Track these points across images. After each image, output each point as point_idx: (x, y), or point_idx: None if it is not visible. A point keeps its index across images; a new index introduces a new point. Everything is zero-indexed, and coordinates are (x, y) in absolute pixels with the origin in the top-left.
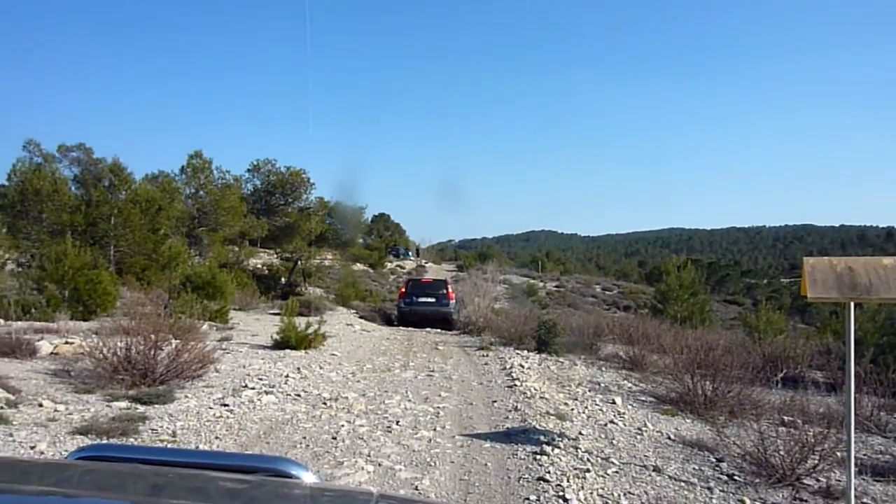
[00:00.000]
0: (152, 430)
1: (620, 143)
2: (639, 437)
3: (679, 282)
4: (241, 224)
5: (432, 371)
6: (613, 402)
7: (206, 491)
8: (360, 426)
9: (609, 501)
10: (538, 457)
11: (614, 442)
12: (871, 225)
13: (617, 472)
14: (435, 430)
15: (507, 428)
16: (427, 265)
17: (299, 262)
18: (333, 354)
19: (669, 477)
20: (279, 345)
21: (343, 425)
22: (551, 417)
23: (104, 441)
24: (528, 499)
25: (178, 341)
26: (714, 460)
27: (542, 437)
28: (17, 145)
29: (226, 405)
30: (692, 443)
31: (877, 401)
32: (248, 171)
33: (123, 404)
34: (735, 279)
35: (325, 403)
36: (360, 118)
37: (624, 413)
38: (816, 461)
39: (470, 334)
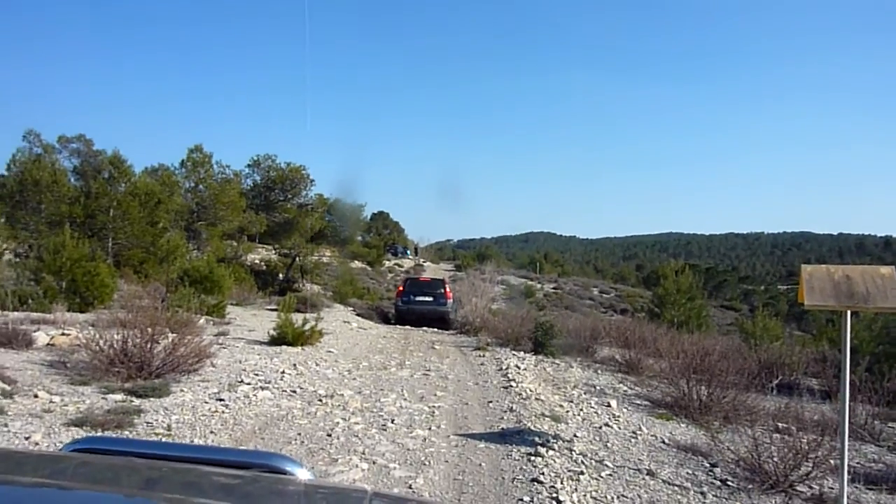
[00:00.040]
0: (147, 423)
1: (620, 146)
2: (633, 440)
3: (676, 286)
4: (239, 219)
5: (428, 370)
6: (609, 405)
7: (200, 486)
8: (355, 424)
9: None
10: (532, 458)
11: (609, 445)
12: (869, 234)
13: (611, 474)
14: (430, 429)
15: (502, 428)
16: (425, 264)
17: (297, 259)
18: (330, 351)
19: (663, 481)
20: (276, 341)
21: (338, 422)
22: (546, 419)
23: (99, 434)
24: (521, 500)
25: (174, 335)
26: (708, 465)
27: (536, 439)
28: (16, 135)
29: (221, 400)
30: (686, 447)
31: (871, 409)
32: (248, 166)
33: (119, 397)
34: (732, 285)
35: (320, 400)
36: (359, 116)
37: (619, 416)
38: (810, 468)
39: (467, 334)
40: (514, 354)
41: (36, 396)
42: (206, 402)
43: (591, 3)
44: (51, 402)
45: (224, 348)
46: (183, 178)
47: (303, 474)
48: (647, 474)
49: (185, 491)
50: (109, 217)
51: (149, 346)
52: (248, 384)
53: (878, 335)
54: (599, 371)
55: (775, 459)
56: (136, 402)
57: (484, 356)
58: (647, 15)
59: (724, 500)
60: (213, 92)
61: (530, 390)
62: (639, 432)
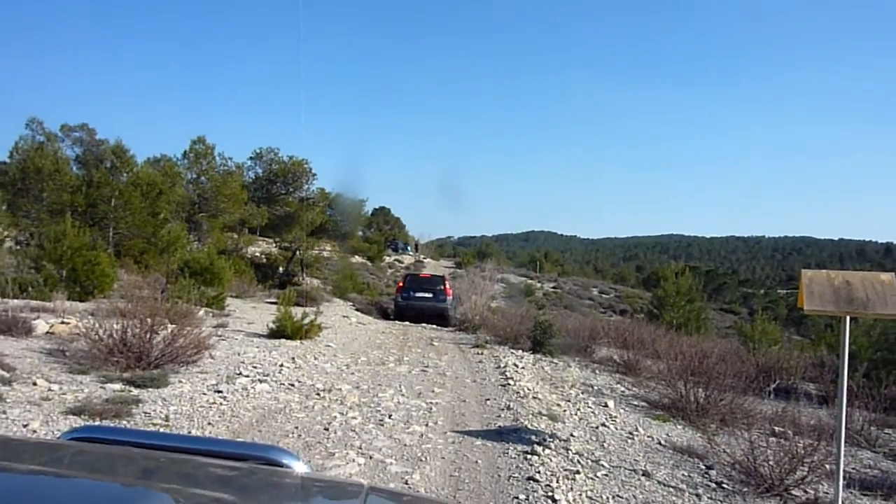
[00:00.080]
0: (145, 413)
1: (621, 147)
2: (630, 441)
3: (676, 288)
4: (241, 211)
5: (426, 367)
6: (606, 406)
7: (196, 477)
8: (352, 418)
9: None
10: (529, 456)
11: (605, 445)
12: (870, 240)
13: (606, 474)
14: (427, 425)
15: (499, 426)
16: (425, 261)
17: (298, 252)
18: (328, 346)
19: (658, 482)
20: (275, 334)
21: (336, 417)
22: (543, 418)
23: (97, 423)
24: (517, 498)
25: (174, 326)
26: (703, 467)
27: (533, 437)
28: (19, 123)
29: (219, 392)
30: (682, 449)
31: (868, 415)
32: (251, 158)
33: (117, 386)
34: (732, 288)
35: (318, 394)
36: (360, 111)
37: (616, 416)
38: (805, 473)
39: (466, 331)
40: (512, 353)
41: (35, 384)
42: (205, 394)
43: (591, 3)
44: (49, 390)
45: (223, 340)
46: (185, 170)
47: (300, 467)
48: (643, 475)
49: (183, 481)
50: (111, 207)
51: (148, 336)
52: (247, 377)
53: (877, 341)
54: (597, 371)
55: (771, 463)
56: (135, 392)
57: (482, 354)
58: (647, 17)
59: (719, 502)
60: (216, 84)
61: (528, 389)
62: (635, 433)
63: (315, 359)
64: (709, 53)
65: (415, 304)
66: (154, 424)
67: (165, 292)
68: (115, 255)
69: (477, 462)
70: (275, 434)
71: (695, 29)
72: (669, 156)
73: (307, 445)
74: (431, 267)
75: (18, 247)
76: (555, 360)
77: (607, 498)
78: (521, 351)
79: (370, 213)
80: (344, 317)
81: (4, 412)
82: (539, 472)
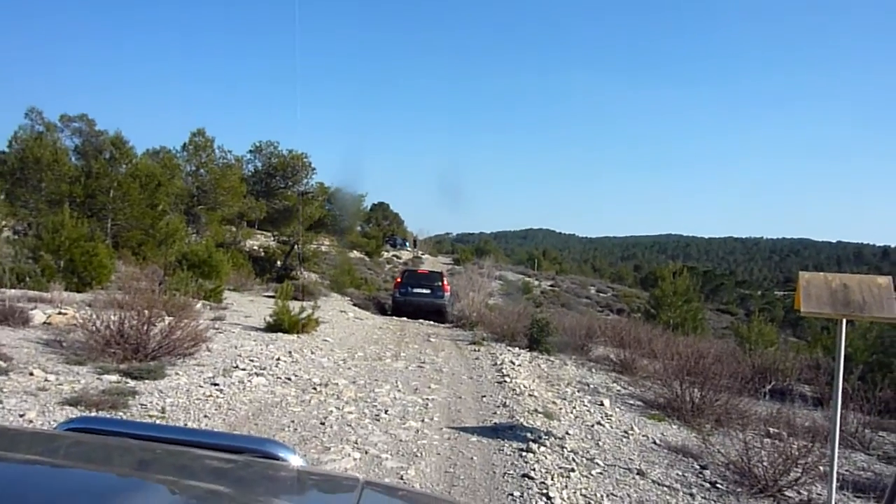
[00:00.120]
0: (142, 405)
1: (620, 147)
2: (625, 439)
3: (674, 288)
4: (239, 204)
5: (423, 363)
6: (601, 404)
7: (192, 468)
8: (348, 413)
9: (592, 502)
10: (524, 454)
11: (600, 443)
12: (868, 243)
13: (601, 473)
14: (423, 421)
15: (495, 423)
16: (424, 257)
17: (296, 246)
18: (325, 340)
19: (653, 481)
20: (272, 327)
21: (332, 411)
22: (539, 415)
23: (93, 414)
24: (511, 495)
25: (171, 318)
26: (698, 467)
27: (528, 435)
28: (19, 112)
29: (216, 385)
30: (677, 449)
31: (862, 418)
32: (250, 151)
33: (114, 378)
34: (729, 289)
35: (314, 388)
36: (360, 107)
37: (611, 415)
38: (799, 474)
39: (463, 328)
40: (509, 350)
41: (31, 374)
42: (201, 387)
43: (592, 3)
44: (46, 380)
45: (220, 333)
46: (184, 162)
47: (295, 461)
48: (638, 474)
49: (178, 473)
50: (109, 198)
51: (145, 328)
52: (244, 370)
53: (873, 344)
54: (594, 370)
55: (765, 464)
56: (131, 383)
57: (479, 351)
58: (647, 18)
59: (712, 502)
60: (216, 77)
61: (524, 386)
62: (631, 432)
63: (312, 353)
64: (709, 54)
65: (412, 299)
66: (150, 416)
67: (163, 284)
68: (113, 246)
69: (472, 458)
70: (271, 428)
71: (695, 30)
72: (669, 156)
73: (303, 439)
74: (429, 263)
75: (16, 237)
76: (551, 358)
77: (602, 496)
78: (517, 348)
79: (369, 208)
80: (341, 311)
81: (1, 402)
82: (534, 470)
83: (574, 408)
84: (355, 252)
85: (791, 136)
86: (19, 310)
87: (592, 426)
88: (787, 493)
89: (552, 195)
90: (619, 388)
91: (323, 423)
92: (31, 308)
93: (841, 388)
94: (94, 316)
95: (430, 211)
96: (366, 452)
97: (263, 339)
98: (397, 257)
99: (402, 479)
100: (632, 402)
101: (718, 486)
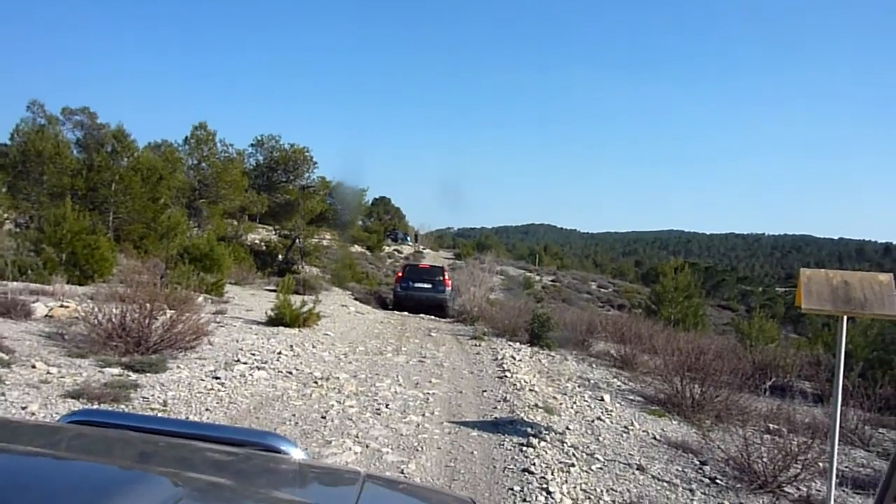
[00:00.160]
0: (143, 398)
1: (622, 143)
2: (625, 435)
3: (675, 284)
4: (241, 198)
5: (424, 357)
6: (602, 400)
7: (194, 461)
8: (349, 407)
9: (592, 497)
10: (524, 448)
11: (600, 438)
12: (869, 240)
13: (601, 468)
14: (424, 415)
15: (496, 418)
16: (425, 251)
17: (297, 241)
18: (327, 334)
19: (652, 476)
20: (273, 321)
21: (333, 405)
22: (539, 410)
23: (95, 406)
24: (512, 489)
25: (172, 312)
26: (698, 463)
27: (529, 430)
28: (20, 105)
29: (217, 378)
30: (677, 444)
31: (862, 415)
32: (252, 145)
33: (116, 371)
34: (731, 285)
35: (316, 382)
36: (361, 102)
37: (612, 411)
38: (799, 470)
39: (464, 323)
40: (509, 345)
41: (33, 367)
42: (203, 380)
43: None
44: (48, 373)
45: (221, 327)
46: (186, 155)
47: (297, 454)
48: (637, 469)
49: (180, 465)
50: (111, 191)
51: (147, 321)
52: (245, 364)
53: (873, 341)
54: (594, 365)
55: (765, 460)
56: (133, 376)
57: (480, 345)
58: (648, 13)
59: (712, 497)
60: (217, 72)
61: (525, 381)
62: (631, 427)
63: (313, 347)
64: (710, 51)
65: (414, 294)
66: (152, 409)
67: (165, 278)
68: (115, 239)
69: (473, 453)
70: (272, 421)
71: (696, 26)
72: (671, 152)
73: (304, 433)
74: (431, 258)
75: (18, 229)
76: (552, 354)
77: (601, 491)
78: (518, 343)
79: (370, 202)
80: (342, 306)
81: (3, 394)
82: (534, 464)
83: (574, 403)
84: (356, 246)
85: (794, 132)
86: (21, 302)
87: (593, 421)
88: (786, 489)
89: (553, 190)
90: (619, 383)
91: (324, 417)
92: (33, 301)
93: (841, 384)
94: (96, 309)
95: (431, 205)
96: (367, 446)
97: (265, 332)
98: (398, 252)
99: (402, 472)
100: (632, 397)
101: (718, 481)
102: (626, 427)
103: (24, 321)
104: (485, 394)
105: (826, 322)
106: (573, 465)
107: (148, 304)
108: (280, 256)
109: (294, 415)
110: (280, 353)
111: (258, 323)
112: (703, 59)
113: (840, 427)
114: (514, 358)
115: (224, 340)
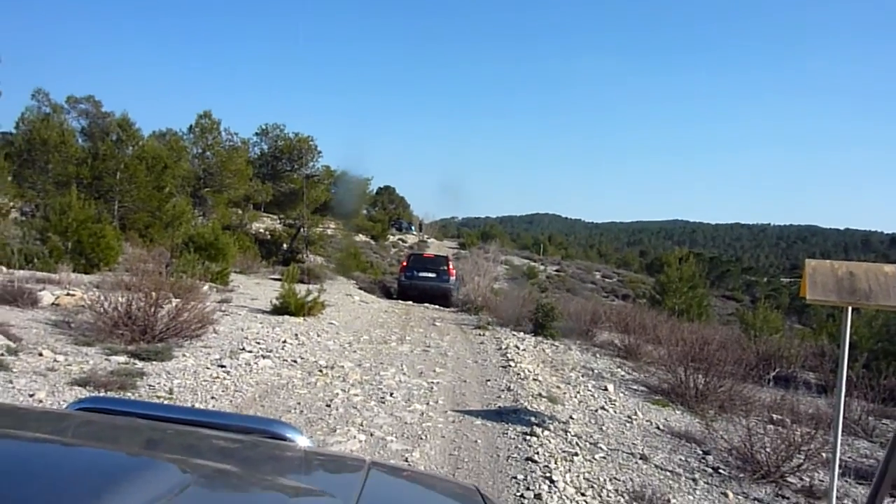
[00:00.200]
0: (150, 386)
1: (626, 132)
2: (628, 424)
3: (679, 274)
4: (246, 187)
5: (428, 346)
6: (605, 389)
7: (200, 448)
8: (354, 395)
9: (595, 486)
10: (528, 437)
11: (604, 428)
12: (875, 230)
13: (604, 457)
14: (428, 404)
15: (499, 407)
16: (429, 241)
17: (302, 230)
18: (331, 323)
19: (656, 466)
20: (278, 310)
21: (337, 394)
22: (543, 400)
23: (102, 394)
24: (515, 477)
25: (178, 300)
26: (701, 452)
27: (532, 419)
28: (25, 94)
29: (223, 366)
30: (680, 434)
31: (866, 405)
32: (256, 134)
33: (122, 359)
34: (735, 275)
35: (320, 371)
36: (365, 92)
37: (615, 400)
38: (802, 460)
39: (468, 312)
40: (513, 334)
41: (41, 355)
42: (208, 368)
43: None
44: (55, 360)
45: (227, 316)
46: (191, 144)
47: (302, 441)
48: (641, 459)
49: (187, 452)
50: (116, 180)
51: (153, 310)
52: (250, 352)
53: (878, 332)
54: (598, 355)
55: (768, 450)
56: (139, 364)
57: (484, 335)
58: (654, 2)
59: (715, 487)
60: (222, 61)
61: (528, 371)
62: (634, 417)
63: (318, 336)
64: (715, 42)
65: (418, 283)
66: (158, 397)
67: (170, 266)
68: (120, 228)
69: (476, 441)
70: (277, 409)
71: (702, 16)
72: (674, 142)
73: (309, 421)
74: (435, 247)
75: (24, 218)
76: (556, 343)
77: (604, 480)
78: (522, 333)
79: (375, 191)
80: (347, 295)
81: (11, 382)
82: (538, 453)
83: (578, 392)
84: (361, 235)
85: (799, 122)
86: (28, 291)
87: (596, 411)
88: (789, 479)
89: (558, 180)
90: (623, 373)
91: (329, 406)
92: (39, 289)
93: (845, 375)
94: (102, 297)
95: (435, 195)
96: (371, 434)
97: (270, 321)
98: (403, 241)
99: (407, 461)
100: (636, 387)
101: (721, 471)
102: (629, 417)
103: (30, 309)
104: (489, 383)
105: (831, 313)
106: (576, 454)
107: (153, 293)
108: (285, 245)
109: (299, 403)
110: (285, 341)
111: (263, 312)
112: (709, 49)
113: (844, 417)
114: (518, 347)
115: (229, 329)
